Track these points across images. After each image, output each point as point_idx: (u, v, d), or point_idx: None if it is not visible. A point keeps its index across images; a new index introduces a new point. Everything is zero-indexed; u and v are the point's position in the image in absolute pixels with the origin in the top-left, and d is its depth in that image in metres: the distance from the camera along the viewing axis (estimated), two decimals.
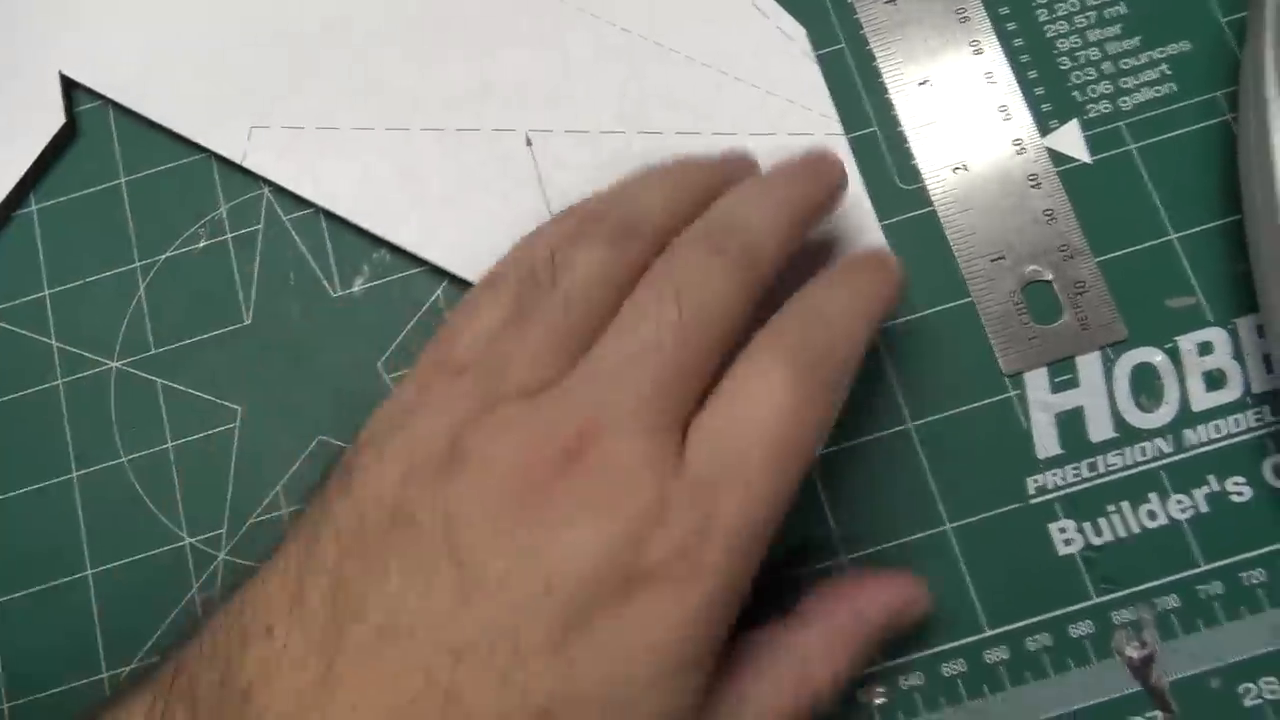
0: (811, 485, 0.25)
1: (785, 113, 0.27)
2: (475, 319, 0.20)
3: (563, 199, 0.27)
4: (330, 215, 0.28)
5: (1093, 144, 0.27)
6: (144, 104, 0.29)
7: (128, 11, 0.29)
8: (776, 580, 0.24)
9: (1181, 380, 0.25)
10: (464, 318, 0.21)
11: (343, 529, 0.18)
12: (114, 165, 0.29)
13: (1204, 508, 0.24)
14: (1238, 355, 0.25)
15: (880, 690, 0.24)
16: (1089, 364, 0.25)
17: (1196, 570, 0.24)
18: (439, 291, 0.27)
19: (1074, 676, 0.24)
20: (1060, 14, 0.28)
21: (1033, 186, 0.26)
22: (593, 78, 0.28)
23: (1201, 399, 0.25)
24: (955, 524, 0.25)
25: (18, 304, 0.28)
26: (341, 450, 0.21)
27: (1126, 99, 0.27)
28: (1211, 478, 0.25)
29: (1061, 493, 0.25)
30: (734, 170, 0.23)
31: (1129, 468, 0.25)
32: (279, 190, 0.28)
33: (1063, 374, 0.25)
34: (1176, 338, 0.25)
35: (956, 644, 0.24)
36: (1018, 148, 0.27)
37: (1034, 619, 0.24)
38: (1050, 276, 0.26)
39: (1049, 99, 0.27)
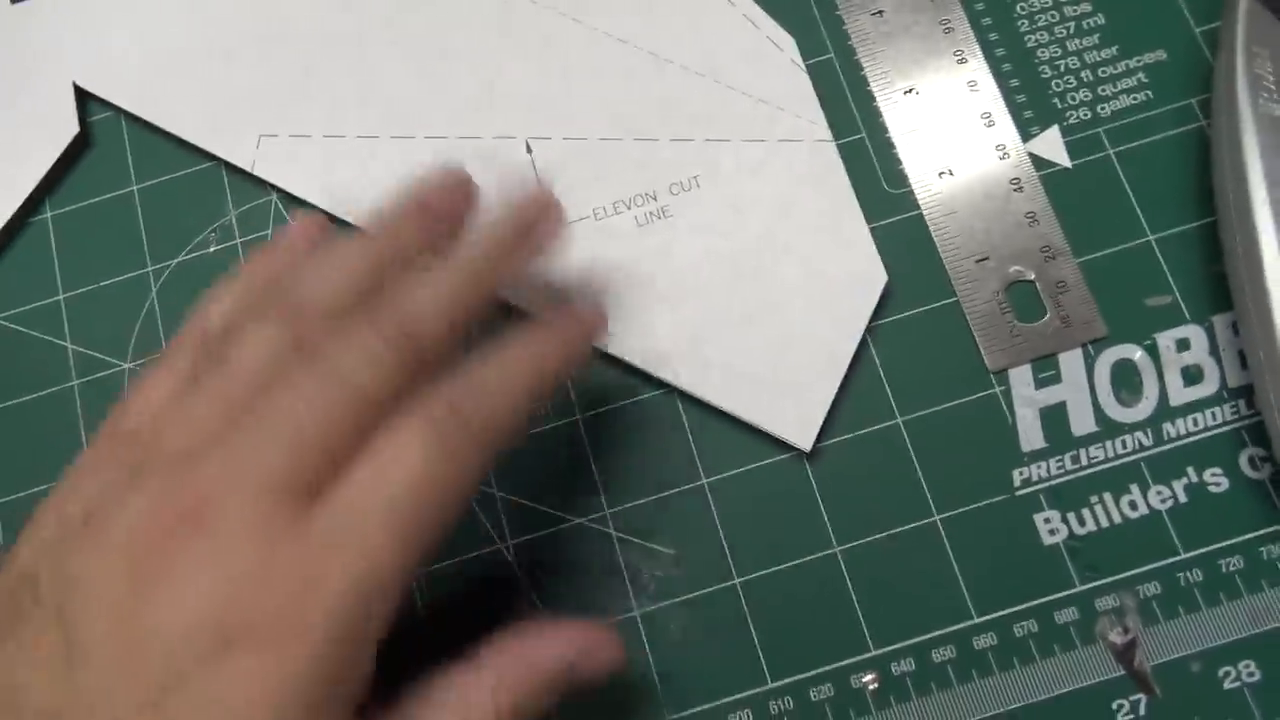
0: (805, 479, 0.26)
1: (775, 119, 0.28)
2: (148, 389, 0.21)
3: (561, 202, 0.27)
4: (337, 220, 0.28)
5: (1073, 149, 0.28)
6: (155, 113, 0.30)
7: (139, 24, 0.30)
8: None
9: (1160, 376, 0.26)
10: (137, 388, 0.21)
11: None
12: (126, 173, 0.30)
13: (1183, 498, 0.25)
14: (1214, 351, 0.26)
15: (872, 675, 0.25)
16: (1071, 360, 0.26)
17: (1177, 558, 0.25)
18: None
19: (1060, 661, 0.25)
20: (1040, 25, 0.29)
21: (1015, 190, 0.27)
22: (590, 87, 0.29)
23: (1179, 393, 0.26)
24: (944, 515, 0.26)
25: (33, 308, 0.29)
26: None
27: (1105, 106, 0.28)
28: (1190, 469, 0.25)
29: (1046, 484, 0.26)
30: (435, 226, 0.23)
31: (1110, 460, 0.26)
32: (287, 196, 0.29)
33: (1046, 370, 0.26)
34: (1155, 335, 0.26)
35: (946, 630, 0.25)
36: (1001, 153, 0.28)
37: (1020, 606, 0.25)
38: (1033, 277, 0.27)
39: (1030, 106, 0.28)
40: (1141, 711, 0.24)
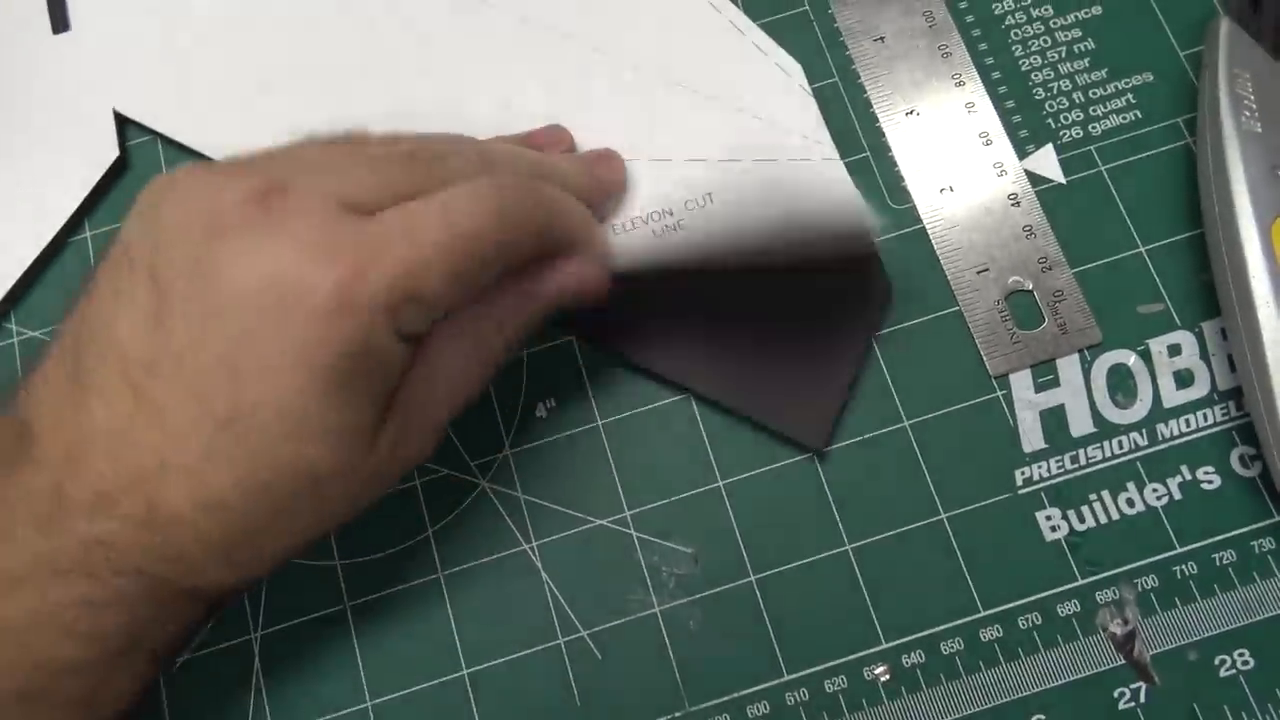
0: (817, 480, 0.27)
1: (784, 140, 0.29)
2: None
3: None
4: None
5: (1066, 166, 0.29)
6: (189, 136, 0.31)
7: (176, 54, 0.32)
8: None
9: (1154, 379, 0.27)
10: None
11: (107, 257, 0.22)
12: None
13: (1177, 495, 0.27)
14: (1204, 356, 0.27)
15: (884, 667, 0.26)
16: (1069, 365, 0.28)
17: (1172, 552, 0.26)
18: None
19: (1063, 652, 0.26)
20: (1034, 49, 0.30)
21: (1013, 205, 0.29)
22: (608, 111, 0.30)
23: (1172, 396, 0.27)
24: (950, 513, 0.27)
25: None
26: None
27: (1096, 125, 0.29)
28: (1184, 468, 0.27)
29: (1047, 483, 0.27)
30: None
31: (1108, 460, 0.27)
32: None
33: (1045, 375, 0.28)
34: (1148, 340, 0.28)
35: (954, 624, 0.26)
36: (998, 170, 0.29)
37: (1024, 600, 0.26)
38: (1031, 286, 0.28)
39: (1026, 126, 0.30)
40: (1142, 699, 0.25)
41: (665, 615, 0.27)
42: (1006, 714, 0.25)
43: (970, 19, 0.31)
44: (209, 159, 0.31)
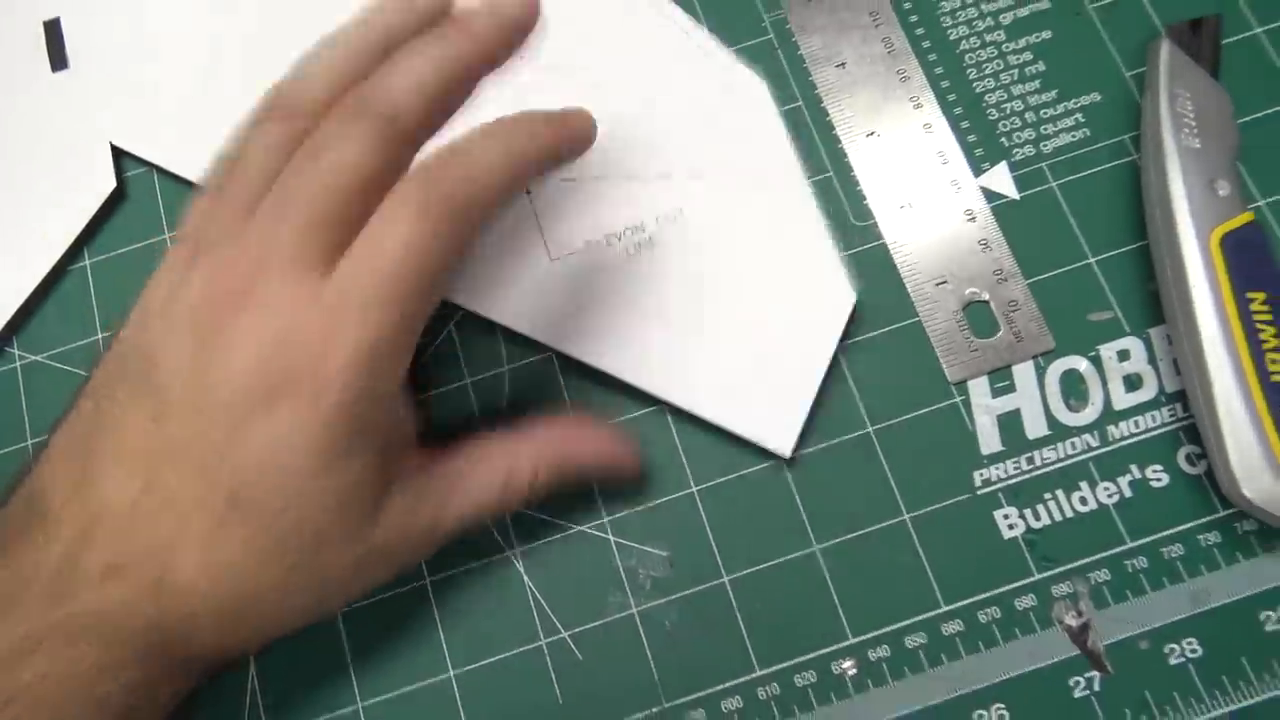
0: (786, 485, 0.28)
1: (752, 157, 0.31)
2: (194, 204, 0.25)
3: (557, 238, 0.30)
4: None
5: (1020, 182, 0.31)
6: (184, 167, 0.32)
7: (170, 88, 0.33)
8: None
9: (1104, 383, 0.29)
10: (189, 208, 0.25)
11: (104, 365, 0.24)
12: (159, 223, 0.33)
13: (1128, 493, 0.28)
14: (1152, 360, 0.29)
15: (851, 662, 0.27)
16: (1024, 372, 0.29)
17: (1123, 547, 0.27)
18: (450, 327, 0.31)
19: (1021, 644, 0.27)
20: (987, 72, 0.32)
21: (969, 220, 0.30)
22: None
23: (1122, 399, 0.29)
24: (912, 514, 0.28)
25: (73, 347, 0.31)
26: None
27: (1047, 143, 0.31)
28: (1133, 467, 0.28)
29: (1004, 484, 0.28)
30: (411, 19, 0.25)
31: (1062, 460, 0.28)
32: None
33: (1001, 381, 0.29)
34: (1098, 347, 0.29)
35: (917, 619, 0.27)
36: (955, 187, 0.31)
37: (984, 595, 0.27)
38: (987, 297, 0.30)
39: (980, 145, 0.31)
40: (1096, 687, 0.26)
41: (642, 615, 0.28)
42: (968, 704, 0.27)
43: (927, 44, 0.32)
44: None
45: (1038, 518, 0.28)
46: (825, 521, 0.28)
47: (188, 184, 0.32)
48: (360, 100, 0.23)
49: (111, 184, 0.32)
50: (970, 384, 0.29)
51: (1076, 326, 0.29)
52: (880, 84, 0.32)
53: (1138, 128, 0.31)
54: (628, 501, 0.29)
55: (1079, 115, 0.31)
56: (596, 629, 0.28)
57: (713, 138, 0.31)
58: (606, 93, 0.32)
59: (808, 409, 0.28)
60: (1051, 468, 0.28)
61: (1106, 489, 0.28)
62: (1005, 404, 0.29)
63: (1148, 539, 0.27)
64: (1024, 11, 0.32)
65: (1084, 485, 0.28)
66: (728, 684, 0.27)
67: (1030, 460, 0.28)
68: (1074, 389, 0.29)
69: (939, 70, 0.32)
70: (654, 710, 0.27)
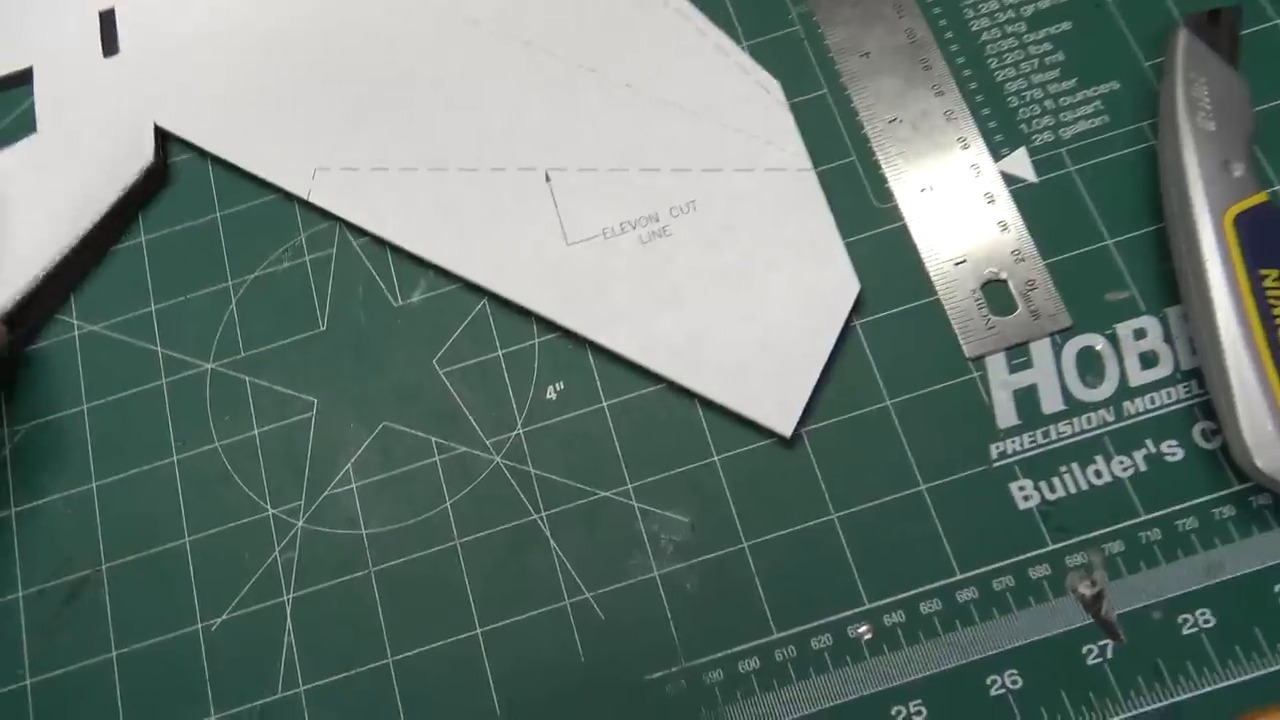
0: (805, 455, 0.29)
1: (763, 152, 0.32)
2: None
3: (576, 225, 0.32)
4: (382, 241, 0.33)
5: (1038, 167, 0.31)
6: (226, 149, 0.34)
7: (210, 74, 0.35)
8: None
9: (1120, 360, 0.29)
10: None
11: None
12: (211, 203, 0.34)
13: (1142, 467, 0.28)
14: (1168, 339, 0.29)
15: (866, 626, 0.28)
16: (1041, 348, 0.30)
17: (1137, 519, 0.28)
18: (484, 302, 0.32)
19: (1035, 612, 0.27)
20: (1008, 62, 0.33)
21: (989, 203, 0.31)
22: (601, 125, 0.33)
23: (1138, 376, 0.29)
24: (929, 484, 0.29)
25: (130, 317, 0.33)
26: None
27: (1066, 129, 0.32)
28: (1149, 441, 0.29)
29: (1020, 457, 0.29)
30: None
31: (1077, 434, 0.29)
32: (347, 221, 0.33)
33: (1018, 357, 0.30)
34: (1115, 325, 0.30)
35: (932, 586, 0.28)
36: (975, 171, 0.32)
37: (999, 564, 0.28)
38: (1005, 276, 0.30)
39: (1000, 131, 0.32)
40: (1109, 655, 0.27)
41: (664, 579, 0.29)
42: (982, 669, 0.27)
43: (949, 35, 0.33)
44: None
45: (1053, 490, 0.28)
46: (843, 490, 0.29)
47: (238, 169, 0.34)
48: None
49: (149, 159, 0.34)
50: (988, 360, 0.30)
51: (1094, 305, 0.30)
52: (903, 73, 0.33)
53: (1155, 115, 0.31)
54: (652, 471, 0.30)
55: (1098, 103, 0.32)
56: (619, 591, 0.29)
57: (727, 134, 0.32)
58: (627, 90, 0.33)
59: (809, 391, 0.29)
60: (1067, 441, 0.29)
61: (1121, 463, 0.28)
62: (1022, 379, 0.29)
63: (1162, 512, 0.28)
64: (1044, 3, 0.33)
65: (1099, 459, 0.29)
66: (746, 645, 0.28)
67: (1046, 434, 0.29)
68: (1090, 365, 0.29)
69: (960, 60, 0.33)
70: (673, 669, 0.28)
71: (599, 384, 0.31)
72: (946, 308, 0.30)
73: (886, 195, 0.32)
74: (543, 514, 0.30)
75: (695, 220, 0.31)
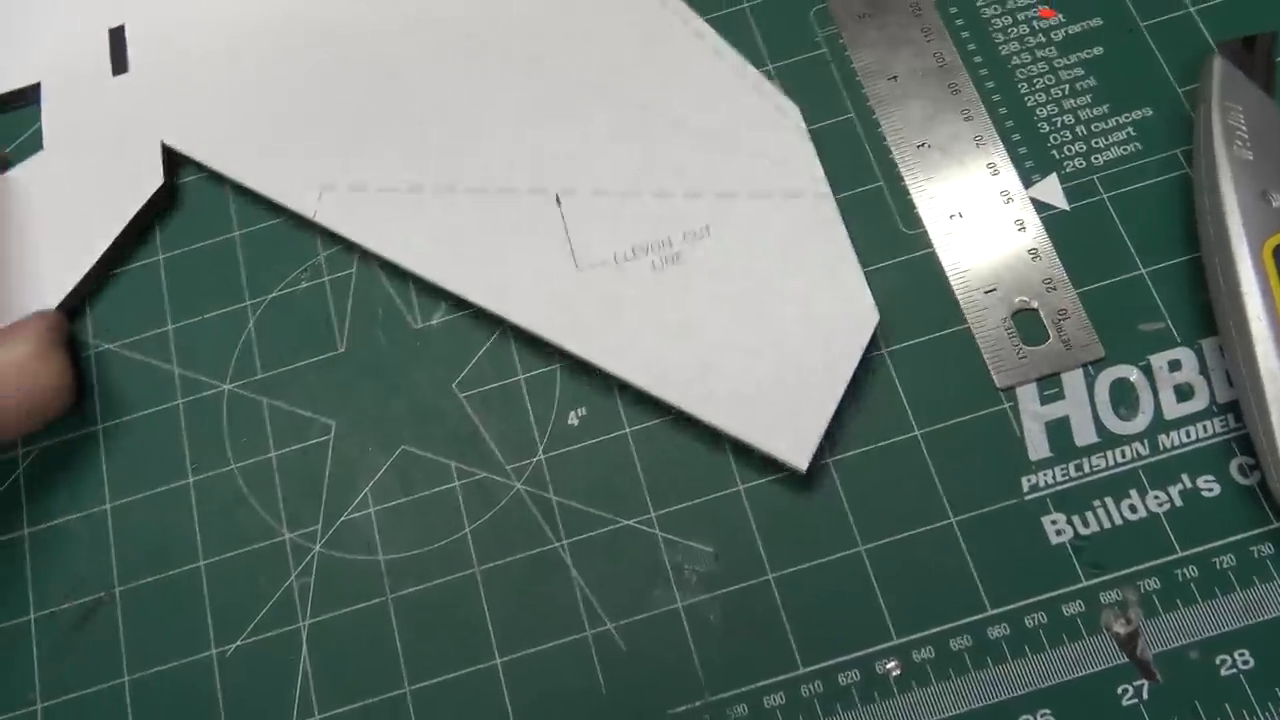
0: (833, 485, 0.29)
1: (780, 176, 0.31)
2: None
3: (586, 249, 0.31)
4: (385, 262, 0.32)
5: (1070, 194, 0.31)
6: (233, 168, 0.34)
7: (218, 95, 0.35)
8: None
9: (1155, 393, 0.29)
10: None
11: None
12: (229, 222, 0.34)
13: (1178, 502, 0.28)
14: (1204, 371, 0.29)
15: (895, 662, 0.27)
16: (1073, 379, 0.29)
17: (1174, 556, 0.27)
18: (505, 326, 0.32)
19: (1068, 650, 0.27)
20: (1038, 87, 0.32)
21: (1019, 230, 0.31)
22: (614, 147, 0.32)
23: (1173, 409, 0.29)
24: (959, 517, 0.28)
25: (146, 337, 0.33)
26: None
27: (1098, 156, 0.31)
28: (1184, 476, 0.28)
29: (1052, 490, 0.28)
30: None
31: (1111, 468, 0.28)
32: None
33: (1050, 388, 0.29)
34: (1149, 356, 0.29)
35: (963, 622, 0.27)
36: (1005, 198, 0.31)
37: (1031, 600, 0.27)
38: (1036, 305, 0.30)
39: (1031, 157, 0.32)
40: (1145, 696, 0.26)
41: (687, 610, 0.28)
42: (1013, 709, 0.26)
43: (978, 59, 0.33)
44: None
45: (1086, 524, 0.28)
46: (870, 523, 0.28)
47: (243, 189, 0.34)
48: None
49: (160, 180, 0.34)
50: (1019, 390, 0.29)
51: (1127, 336, 0.29)
52: (931, 96, 0.33)
53: (1189, 142, 0.31)
54: (675, 500, 0.29)
55: (1130, 129, 0.32)
56: (641, 622, 0.28)
57: (744, 158, 0.32)
58: (641, 111, 0.33)
59: (826, 424, 0.28)
60: (1101, 475, 0.28)
61: (1157, 498, 0.28)
62: (1054, 411, 0.29)
63: (1199, 549, 0.27)
64: (1076, 28, 0.33)
65: (1134, 493, 0.28)
66: (771, 680, 0.27)
67: (1079, 467, 0.28)
68: (1124, 397, 0.29)
69: (990, 84, 0.33)
70: (697, 704, 0.27)
71: (622, 411, 0.30)
72: (976, 337, 0.30)
73: (915, 221, 0.31)
74: (564, 542, 0.29)
75: (709, 246, 0.31)
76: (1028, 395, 0.29)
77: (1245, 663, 0.26)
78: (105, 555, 0.30)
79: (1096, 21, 0.33)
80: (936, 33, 0.33)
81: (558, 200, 0.32)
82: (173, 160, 0.34)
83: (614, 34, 0.34)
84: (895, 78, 0.33)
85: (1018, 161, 0.31)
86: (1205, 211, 0.29)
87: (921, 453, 0.29)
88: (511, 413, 0.30)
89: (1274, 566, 0.27)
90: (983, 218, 0.31)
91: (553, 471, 0.30)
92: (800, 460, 0.28)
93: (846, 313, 0.29)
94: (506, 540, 0.29)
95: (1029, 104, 0.32)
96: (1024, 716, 0.26)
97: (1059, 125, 0.32)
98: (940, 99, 0.32)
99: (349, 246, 0.33)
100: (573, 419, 0.30)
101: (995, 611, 0.27)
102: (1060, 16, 0.33)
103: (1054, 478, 0.28)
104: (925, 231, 0.31)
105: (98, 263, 0.33)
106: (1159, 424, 0.29)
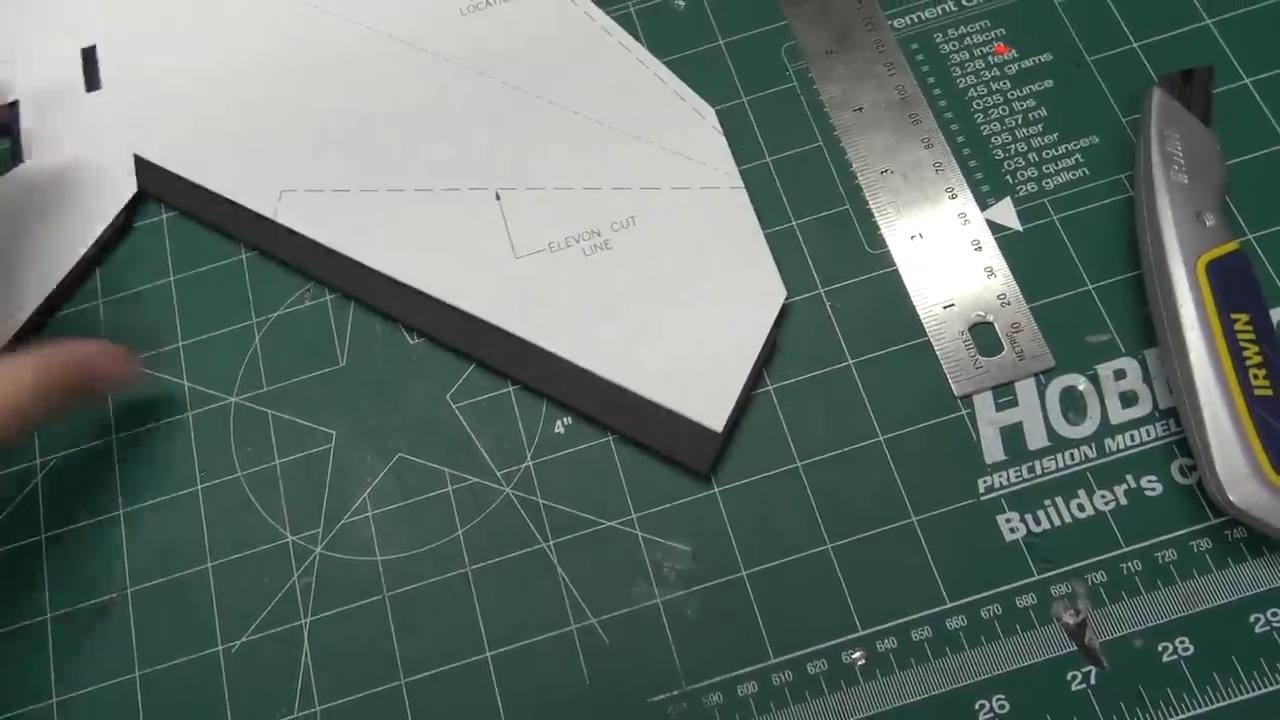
0: (801, 487, 0.31)
1: (698, 172, 0.34)
2: None
3: (524, 240, 0.34)
4: (343, 258, 0.34)
5: (1023, 216, 0.33)
6: (199, 174, 0.36)
7: (185, 107, 0.37)
8: None
9: (1101, 399, 0.31)
10: None
11: None
12: (236, 246, 0.36)
13: (1123, 501, 0.30)
14: (1147, 379, 0.31)
15: (860, 652, 0.29)
16: (1026, 388, 0.31)
17: (1119, 551, 0.29)
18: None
19: (1021, 639, 0.29)
20: (994, 117, 0.35)
21: (976, 250, 0.33)
22: (548, 148, 0.35)
23: (1118, 414, 0.31)
24: (920, 516, 0.30)
25: (158, 353, 0.35)
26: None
27: (1049, 181, 0.34)
28: (1129, 477, 0.30)
29: (1007, 490, 0.30)
30: None
31: (1061, 470, 0.30)
32: None
33: (1004, 396, 0.31)
34: (1096, 366, 0.31)
35: (923, 614, 0.29)
36: (963, 220, 0.33)
37: (987, 593, 0.29)
38: (992, 319, 0.32)
39: (987, 182, 0.34)
40: (1092, 681, 0.28)
41: (666, 605, 0.30)
42: (971, 694, 0.28)
43: (938, 92, 0.35)
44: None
45: (1038, 522, 0.30)
46: (838, 522, 0.30)
47: (196, 218, 0.36)
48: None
49: (133, 189, 0.36)
50: (975, 398, 0.31)
51: (1076, 347, 0.31)
52: (894, 127, 0.35)
53: (1133, 168, 0.33)
54: (655, 502, 0.31)
55: (1078, 156, 0.34)
56: (623, 617, 0.30)
57: (666, 156, 0.35)
58: (573, 115, 0.36)
59: (740, 389, 0.31)
60: (1051, 476, 0.30)
61: (1103, 497, 0.30)
62: (1008, 417, 0.31)
63: (1142, 544, 0.29)
64: (1028, 63, 0.35)
65: (1082, 493, 0.30)
66: (744, 670, 0.29)
67: (1031, 469, 0.30)
68: (1073, 404, 0.31)
69: (949, 115, 0.35)
70: (675, 693, 0.29)
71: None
72: (936, 349, 0.32)
73: (879, 242, 0.34)
74: (550, 542, 0.31)
75: (635, 234, 0.34)
76: (984, 403, 0.31)
77: (1185, 649, 0.28)
78: (118, 558, 0.32)
79: (1047, 57, 0.35)
80: (899, 68, 0.36)
81: (497, 196, 0.35)
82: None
83: (549, 48, 0.37)
84: (860, 109, 0.35)
85: (974, 186, 0.34)
86: (1145, 231, 0.31)
87: (885, 456, 0.31)
88: (501, 422, 0.32)
89: (1212, 560, 0.29)
90: (942, 238, 0.33)
91: (540, 477, 0.32)
92: (716, 423, 0.30)
93: (758, 291, 0.32)
94: (497, 541, 0.31)
95: (985, 133, 0.35)
96: (980, 702, 0.28)
97: (1013, 152, 0.34)
98: (902, 129, 0.35)
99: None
100: (559, 427, 0.32)
101: (954, 604, 0.29)
102: (1013, 52, 0.36)
103: (1008, 479, 0.30)
104: (889, 251, 0.33)
105: (75, 266, 0.35)
106: (1105, 429, 0.31)
